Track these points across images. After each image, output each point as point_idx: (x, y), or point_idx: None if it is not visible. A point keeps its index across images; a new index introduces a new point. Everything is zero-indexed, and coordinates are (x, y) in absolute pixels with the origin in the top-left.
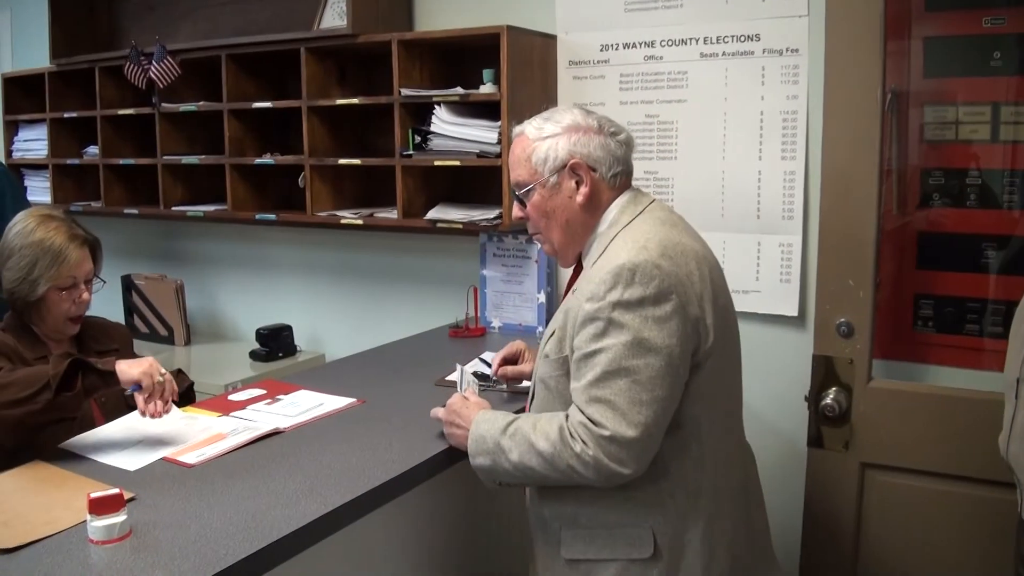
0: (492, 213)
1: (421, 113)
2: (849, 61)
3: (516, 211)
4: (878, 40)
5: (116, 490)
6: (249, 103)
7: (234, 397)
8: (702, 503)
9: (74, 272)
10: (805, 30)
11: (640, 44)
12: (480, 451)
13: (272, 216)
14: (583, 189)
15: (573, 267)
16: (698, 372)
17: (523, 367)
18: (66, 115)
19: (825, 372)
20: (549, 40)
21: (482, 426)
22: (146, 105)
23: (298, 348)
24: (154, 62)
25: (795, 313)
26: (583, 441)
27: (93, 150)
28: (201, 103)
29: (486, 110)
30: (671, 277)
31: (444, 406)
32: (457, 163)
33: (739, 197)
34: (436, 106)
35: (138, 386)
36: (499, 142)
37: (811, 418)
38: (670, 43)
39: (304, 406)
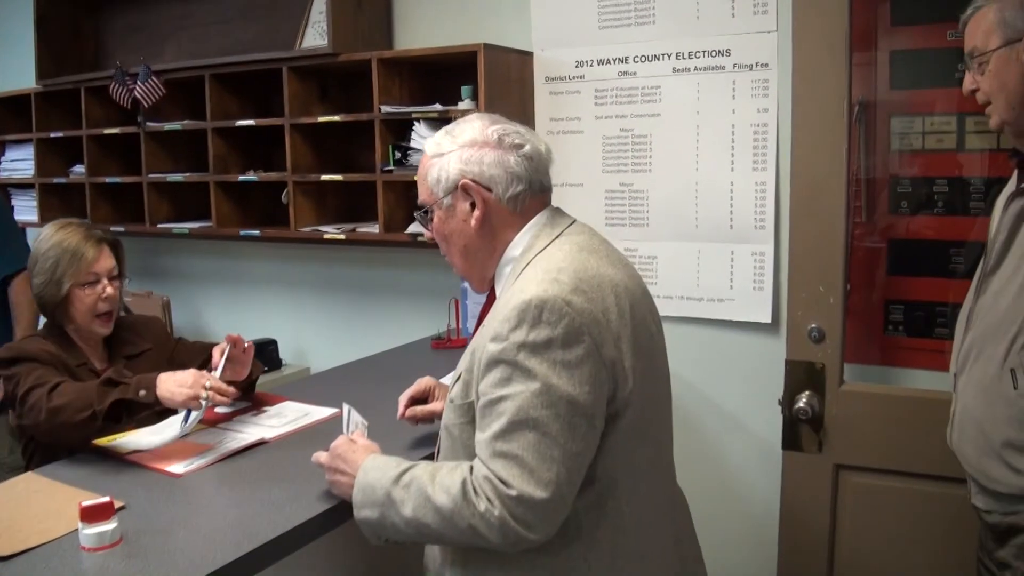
0: None
1: (401, 129)
2: (817, 74)
3: (425, 232)
4: (844, 54)
5: (107, 499)
6: (233, 121)
7: (220, 409)
8: (624, 568)
9: (94, 268)
10: (774, 45)
11: (614, 60)
12: (367, 502)
13: (256, 232)
14: (476, 212)
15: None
16: (616, 422)
17: (434, 406)
18: (52, 135)
19: (798, 376)
20: (526, 57)
21: (371, 474)
22: (131, 124)
23: (283, 362)
24: (139, 82)
25: (768, 320)
26: (488, 499)
27: (79, 169)
28: (186, 122)
29: None
30: (583, 315)
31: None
32: None
33: (712, 208)
34: (415, 122)
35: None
36: None
37: (785, 421)
38: (643, 59)
39: (289, 417)
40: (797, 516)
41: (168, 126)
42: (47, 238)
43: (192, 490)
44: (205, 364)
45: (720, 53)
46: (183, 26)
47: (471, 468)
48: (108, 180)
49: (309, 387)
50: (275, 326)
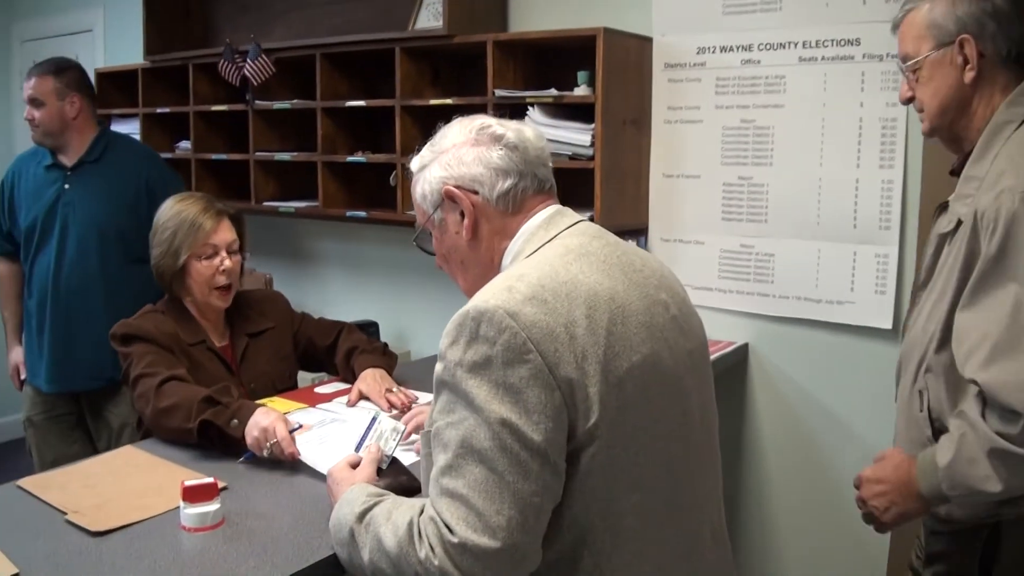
0: (584, 215)
1: (514, 114)
2: None
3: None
4: None
5: (210, 479)
6: (342, 102)
7: (320, 390)
8: None
9: (211, 239)
10: None
11: (737, 47)
12: (337, 540)
13: (362, 213)
14: (465, 220)
15: None
16: (578, 460)
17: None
18: (159, 110)
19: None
20: (645, 42)
21: (342, 508)
22: (239, 102)
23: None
24: (248, 60)
25: (890, 326)
26: (430, 545)
27: (185, 144)
28: (295, 101)
29: (579, 112)
30: (532, 329)
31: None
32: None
33: (835, 205)
34: (529, 107)
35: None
36: (592, 144)
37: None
38: (768, 47)
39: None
40: (910, 535)
41: (277, 105)
42: (167, 209)
43: (295, 475)
44: (333, 345)
45: (849, 42)
46: (294, 5)
47: (423, 507)
48: (214, 157)
49: (408, 372)
50: (376, 308)
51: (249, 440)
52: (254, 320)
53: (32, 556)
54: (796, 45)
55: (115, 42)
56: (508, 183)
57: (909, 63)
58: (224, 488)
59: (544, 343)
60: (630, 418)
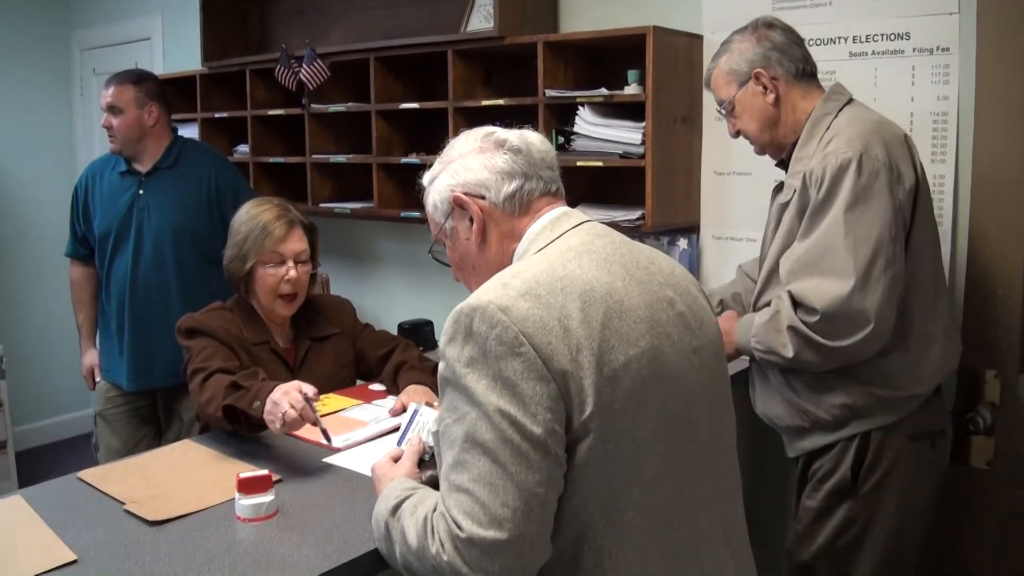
0: (635, 214)
1: (564, 114)
2: (1003, 59)
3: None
4: None
5: (265, 471)
6: (396, 104)
7: (374, 387)
8: None
9: (279, 248)
10: (956, 28)
11: None
12: (377, 536)
13: (417, 214)
14: (474, 225)
15: None
16: (575, 452)
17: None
18: (217, 115)
19: (970, 386)
20: (695, 40)
21: (380, 503)
22: (295, 106)
23: (438, 343)
24: (304, 64)
25: None
26: (440, 541)
27: (243, 148)
28: (350, 104)
29: (630, 111)
30: (525, 323)
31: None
32: (600, 164)
33: None
34: (580, 107)
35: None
36: (643, 143)
37: (954, 433)
38: (819, 42)
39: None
40: (961, 534)
41: (332, 108)
42: (243, 213)
43: (349, 467)
44: (386, 357)
45: (899, 36)
46: (348, 9)
47: (437, 503)
48: (272, 160)
49: None
50: (431, 307)
51: (266, 418)
52: (320, 325)
53: (90, 544)
54: (846, 40)
55: (173, 49)
56: (514, 185)
57: (725, 105)
58: (278, 480)
59: (537, 336)
60: (627, 412)
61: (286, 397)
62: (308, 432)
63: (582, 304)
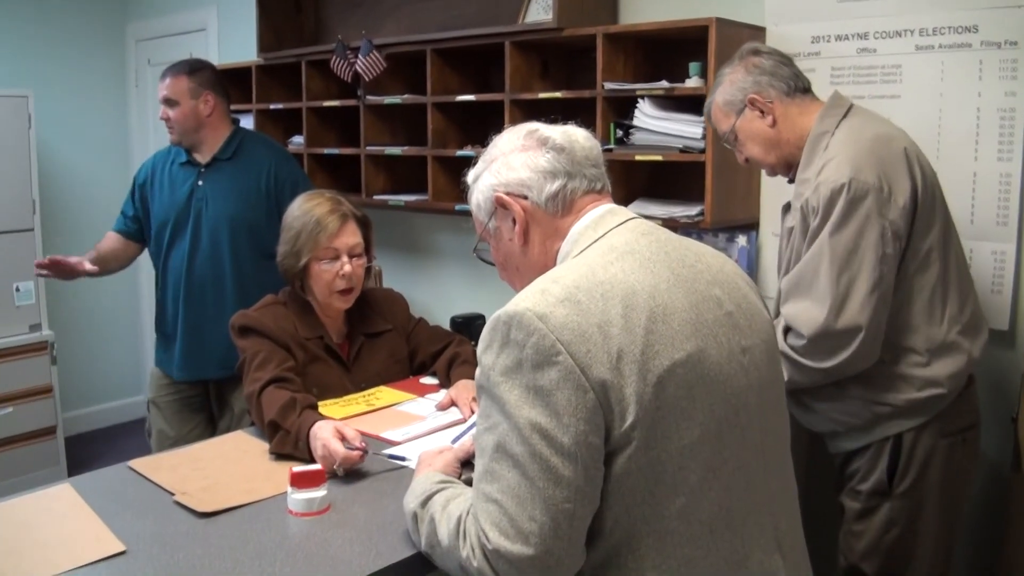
0: (694, 210)
1: (623, 107)
2: None
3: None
4: None
5: (318, 465)
6: (452, 96)
7: (425, 380)
8: None
9: (334, 243)
10: None
11: (853, 36)
12: (408, 523)
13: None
14: (516, 227)
15: None
16: (615, 462)
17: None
18: (272, 106)
19: None
20: (757, 32)
21: (409, 494)
22: (350, 97)
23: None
24: (360, 56)
25: (1006, 327)
26: (471, 546)
27: (298, 139)
28: (405, 96)
29: (690, 104)
30: (563, 330)
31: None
32: (659, 158)
33: (952, 200)
34: (640, 100)
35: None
36: (703, 137)
37: (1016, 441)
38: (884, 35)
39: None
40: (1022, 545)
41: (388, 100)
42: (296, 207)
43: (401, 465)
44: (440, 352)
45: (967, 29)
46: (404, 1)
47: (470, 506)
48: (326, 151)
49: None
50: (484, 301)
51: (321, 464)
52: (374, 320)
53: (140, 535)
54: (913, 33)
55: (228, 40)
56: (556, 185)
57: (727, 135)
58: (331, 476)
59: (575, 344)
60: (671, 419)
61: (330, 446)
62: (368, 425)
63: (624, 309)
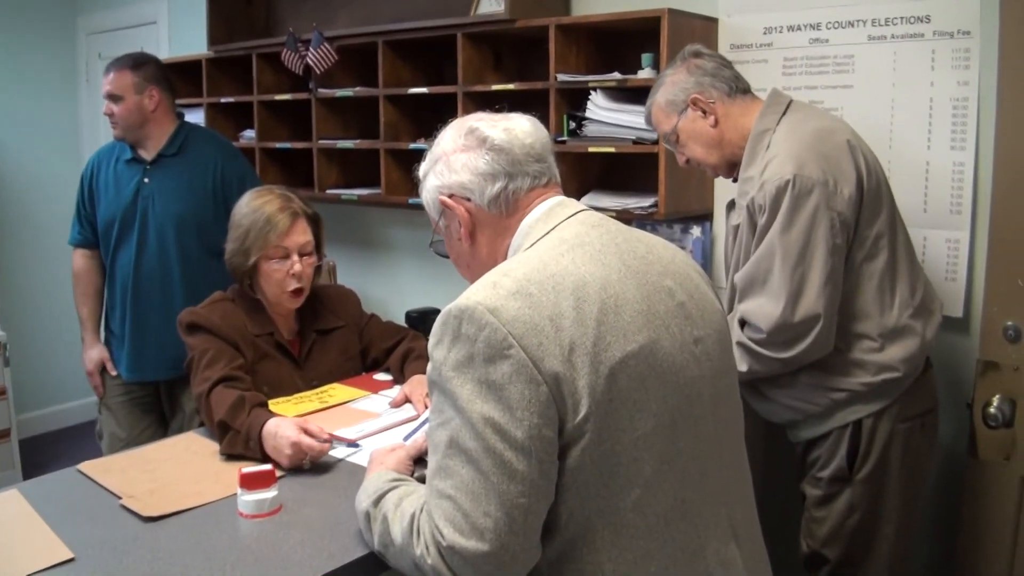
0: (648, 201)
1: (576, 98)
2: None
3: None
4: None
5: (268, 466)
6: (405, 89)
7: (379, 376)
8: None
9: (284, 242)
10: (977, 11)
11: (805, 26)
12: (360, 522)
13: None
14: (462, 228)
15: None
16: (568, 455)
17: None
18: (223, 100)
19: (989, 379)
20: (710, 23)
21: (362, 492)
22: (302, 91)
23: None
24: (311, 48)
25: (960, 315)
26: (425, 544)
27: (249, 134)
28: (357, 88)
29: (644, 95)
30: (514, 323)
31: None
32: (612, 149)
33: (905, 189)
34: (592, 92)
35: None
36: None
37: (971, 427)
38: (837, 25)
39: None
40: (977, 529)
41: (339, 93)
42: (244, 204)
43: (353, 464)
44: (392, 348)
45: (919, 19)
46: None
47: (424, 502)
48: (278, 145)
49: None
50: (439, 295)
51: (285, 463)
52: (325, 317)
53: (88, 541)
54: (865, 23)
55: (179, 33)
56: (497, 187)
57: (669, 136)
58: (282, 476)
59: (527, 337)
60: (624, 410)
61: (300, 439)
62: (321, 423)
63: (575, 301)
